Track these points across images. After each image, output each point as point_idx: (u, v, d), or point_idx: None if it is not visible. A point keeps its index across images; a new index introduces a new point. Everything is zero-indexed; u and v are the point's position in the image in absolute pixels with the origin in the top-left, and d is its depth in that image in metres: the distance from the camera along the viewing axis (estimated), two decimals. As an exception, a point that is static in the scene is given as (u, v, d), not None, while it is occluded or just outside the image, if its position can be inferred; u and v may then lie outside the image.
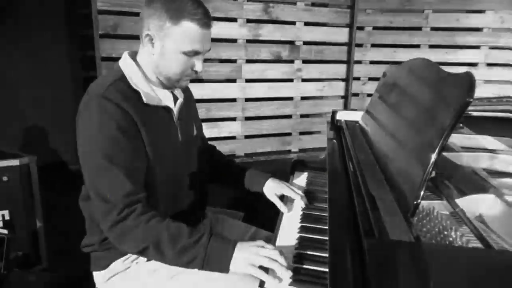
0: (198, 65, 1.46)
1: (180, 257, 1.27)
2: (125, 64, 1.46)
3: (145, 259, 1.48)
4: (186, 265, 1.28)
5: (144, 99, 1.42)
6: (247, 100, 3.76)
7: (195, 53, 1.42)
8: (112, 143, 1.32)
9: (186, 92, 1.68)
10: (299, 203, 1.66)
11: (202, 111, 3.55)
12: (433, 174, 1.39)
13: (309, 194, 1.75)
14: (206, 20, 1.39)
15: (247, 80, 3.71)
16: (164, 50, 1.41)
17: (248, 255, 1.24)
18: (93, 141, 1.33)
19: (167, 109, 1.52)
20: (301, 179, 1.97)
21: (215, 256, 1.26)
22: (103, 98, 1.33)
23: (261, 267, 1.21)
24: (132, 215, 1.30)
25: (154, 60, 1.44)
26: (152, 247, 1.28)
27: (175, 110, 1.55)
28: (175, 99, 1.56)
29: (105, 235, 1.38)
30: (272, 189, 1.74)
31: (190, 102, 1.72)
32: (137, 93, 1.41)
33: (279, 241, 1.41)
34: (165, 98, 1.51)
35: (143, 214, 1.31)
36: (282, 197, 1.72)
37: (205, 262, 1.26)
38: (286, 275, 1.17)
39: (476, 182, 1.42)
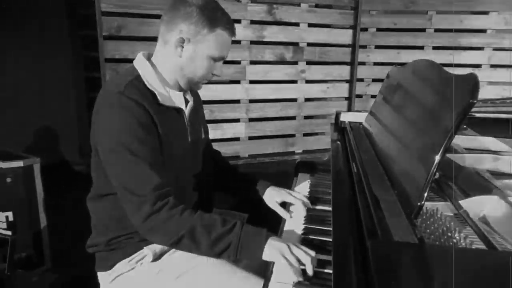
0: (219, 70, 1.54)
1: (215, 246, 1.29)
2: (141, 64, 1.48)
3: (150, 259, 1.48)
4: (221, 254, 1.30)
5: (160, 100, 1.44)
6: (251, 101, 3.76)
7: (221, 58, 1.51)
8: (135, 138, 1.34)
9: (196, 95, 1.71)
10: (301, 208, 1.62)
11: (206, 112, 3.52)
12: (437, 175, 1.39)
13: (313, 196, 1.75)
14: (233, 28, 1.49)
15: (251, 82, 3.71)
16: (194, 54, 1.45)
17: (281, 246, 1.25)
18: (116, 137, 1.35)
19: (179, 111, 1.54)
20: (305, 180, 1.97)
21: (248, 243, 1.28)
22: (122, 96, 1.35)
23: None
24: (165, 207, 1.32)
25: (180, 62, 1.47)
26: (186, 238, 1.30)
27: (186, 112, 1.57)
28: (186, 101, 1.59)
29: (136, 229, 1.38)
30: (272, 197, 1.71)
31: (199, 105, 1.75)
32: (152, 94, 1.43)
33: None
34: (178, 100, 1.53)
35: (175, 207, 1.33)
36: (283, 205, 1.69)
37: (238, 249, 1.28)
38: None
39: (479, 183, 1.41)
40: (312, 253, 1.24)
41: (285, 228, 1.51)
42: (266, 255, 1.26)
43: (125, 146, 1.33)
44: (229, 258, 1.32)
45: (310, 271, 1.19)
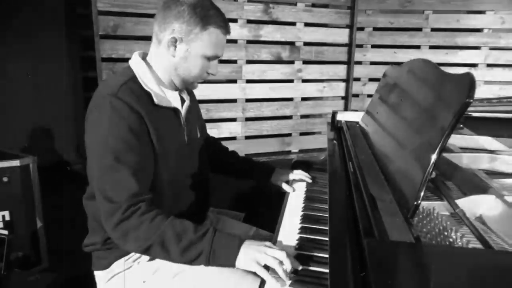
0: (214, 69, 1.53)
1: (186, 253, 1.26)
2: (136, 64, 1.47)
3: (147, 258, 1.48)
4: (192, 261, 1.26)
5: (155, 100, 1.43)
6: (248, 100, 3.77)
7: (215, 57, 1.49)
8: (122, 143, 1.31)
9: (191, 94, 1.70)
10: (302, 186, 1.85)
11: (203, 111, 3.52)
12: (433, 174, 1.40)
13: (309, 195, 1.76)
14: (228, 27, 1.48)
15: (248, 81, 3.72)
16: (188, 53, 1.44)
17: (254, 253, 1.22)
18: (103, 140, 1.33)
19: (175, 111, 1.53)
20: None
21: (221, 251, 1.25)
22: (115, 98, 1.33)
23: (265, 266, 1.20)
24: (135, 214, 1.28)
25: (174, 62, 1.46)
26: (156, 245, 1.27)
27: (183, 112, 1.56)
28: (182, 101, 1.58)
29: (109, 235, 1.36)
30: (278, 175, 1.89)
31: (194, 104, 1.74)
32: (147, 94, 1.42)
33: (279, 242, 1.41)
34: (174, 100, 1.52)
35: (146, 213, 1.29)
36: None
37: (210, 257, 1.24)
38: (287, 279, 1.16)
39: (476, 183, 1.42)
40: (282, 253, 1.21)
41: (282, 227, 1.51)
42: (240, 264, 1.23)
43: (111, 150, 1.31)
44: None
45: (289, 268, 1.18)
